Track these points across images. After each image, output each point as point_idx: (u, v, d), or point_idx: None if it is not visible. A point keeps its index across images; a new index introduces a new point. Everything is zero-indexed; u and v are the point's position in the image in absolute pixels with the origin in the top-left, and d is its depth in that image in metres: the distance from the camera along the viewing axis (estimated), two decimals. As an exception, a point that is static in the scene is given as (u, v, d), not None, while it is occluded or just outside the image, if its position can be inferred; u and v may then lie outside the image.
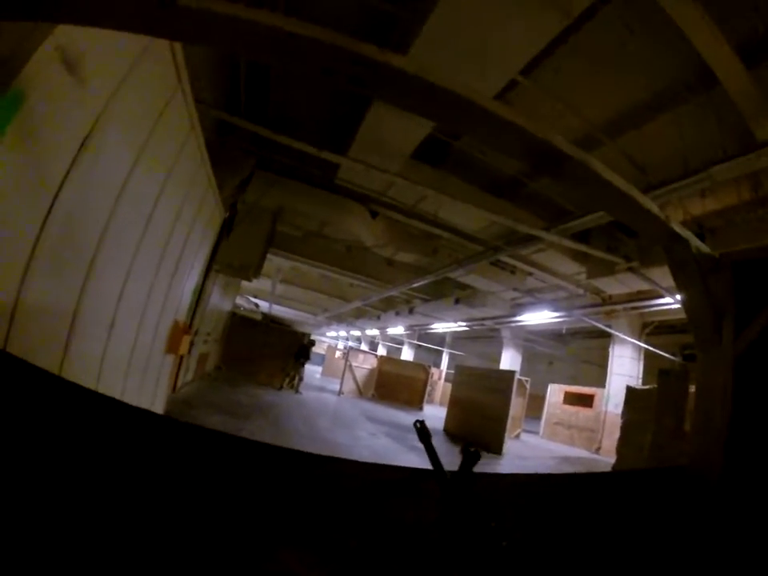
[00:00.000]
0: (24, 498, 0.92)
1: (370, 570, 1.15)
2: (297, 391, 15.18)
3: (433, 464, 1.19)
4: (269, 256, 12.07)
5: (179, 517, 1.02)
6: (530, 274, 12.63)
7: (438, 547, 1.16)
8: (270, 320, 20.47)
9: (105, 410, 1.24)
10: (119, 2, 1.46)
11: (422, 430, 1.31)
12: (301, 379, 15.78)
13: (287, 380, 15.65)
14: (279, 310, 26.87)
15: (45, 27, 2.06)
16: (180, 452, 1.15)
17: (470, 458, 1.15)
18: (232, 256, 9.04)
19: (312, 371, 18.07)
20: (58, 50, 2.17)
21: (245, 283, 15.78)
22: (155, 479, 1.06)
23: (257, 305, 26.21)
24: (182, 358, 7.95)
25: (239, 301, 23.74)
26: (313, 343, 16.90)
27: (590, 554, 1.43)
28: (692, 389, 7.87)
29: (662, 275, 9.16)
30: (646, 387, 10.13)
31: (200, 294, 8.12)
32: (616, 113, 6.31)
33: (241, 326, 15.99)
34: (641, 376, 13.38)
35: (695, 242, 2.25)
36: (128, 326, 4.34)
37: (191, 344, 8.18)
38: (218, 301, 11.80)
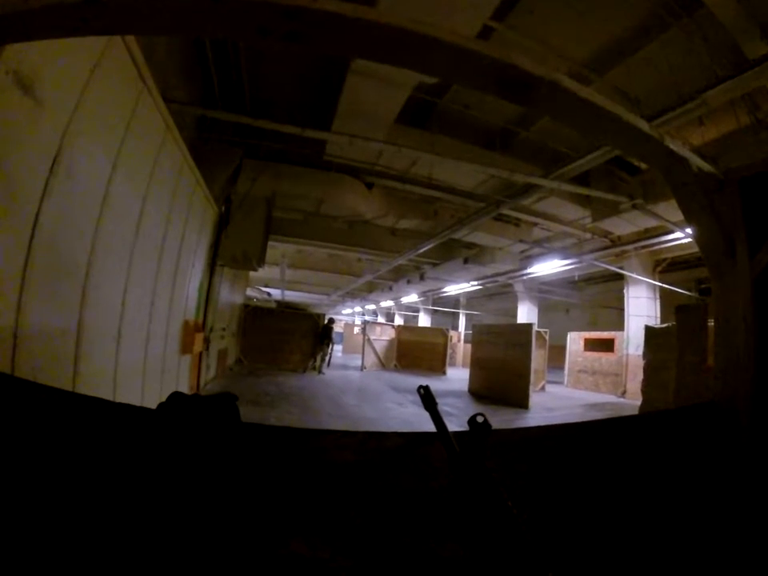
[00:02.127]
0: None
1: (376, 541, 1.13)
2: (320, 372, 15.35)
3: (440, 433, 1.08)
4: (272, 243, 12.06)
5: (176, 509, 1.01)
6: (535, 224, 12.48)
7: (448, 515, 1.13)
8: (284, 307, 20.57)
9: (111, 413, 1.24)
10: (50, 11, 1.40)
11: (426, 396, 1.18)
12: (323, 360, 15.92)
13: (311, 362, 15.83)
14: (292, 296, 27.04)
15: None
16: (175, 443, 1.13)
17: (478, 430, 1.02)
18: (233, 248, 9.04)
19: (334, 350, 18.19)
20: (10, 74, 2.13)
21: (254, 273, 15.80)
22: (159, 474, 1.05)
23: (269, 294, 26.37)
24: (200, 356, 8.05)
25: (251, 292, 23.89)
26: (333, 321, 16.96)
27: (616, 506, 1.39)
28: (711, 322, 7.77)
29: (669, 210, 8.97)
30: (665, 325, 9.98)
31: (208, 291, 8.15)
32: (600, 48, 6.10)
33: (256, 317, 16.03)
34: (658, 315, 13.18)
35: (695, 160, 2.11)
36: (136, 334, 4.38)
37: (207, 341, 8.26)
38: (229, 295, 11.85)
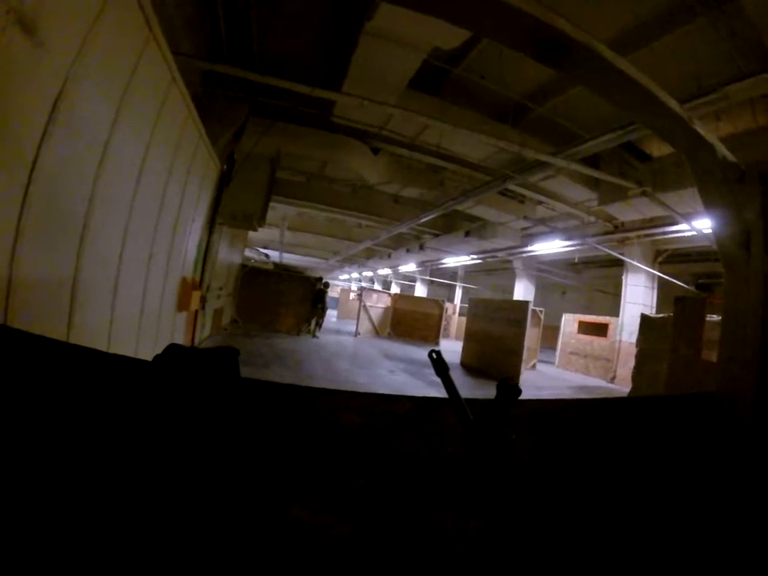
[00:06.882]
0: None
1: (379, 510, 1.10)
2: (314, 336, 15.43)
3: (452, 399, 1.06)
4: (273, 204, 11.90)
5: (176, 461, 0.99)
6: (540, 202, 12.32)
7: (454, 484, 1.11)
8: (281, 269, 20.50)
9: (106, 364, 1.20)
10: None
11: (438, 361, 1.14)
12: (318, 324, 15.97)
13: (306, 326, 15.89)
14: (290, 258, 26.92)
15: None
16: (172, 397, 1.08)
17: (507, 393, 0.97)
18: (234, 207, 8.90)
19: (328, 315, 18.15)
20: (11, 14, 2.02)
21: (253, 234, 15.65)
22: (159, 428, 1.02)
23: (267, 255, 26.23)
24: (196, 314, 8.03)
25: (249, 253, 23.74)
26: (327, 285, 16.89)
27: (614, 482, 1.39)
28: (708, 318, 7.79)
29: (677, 200, 8.85)
30: (661, 315, 9.94)
31: (206, 249, 8.07)
32: (625, 28, 5.86)
33: (253, 278, 15.92)
34: (654, 305, 13.20)
35: (721, 148, 2.07)
36: (133, 288, 4.34)
37: (203, 299, 8.23)
38: (227, 254, 11.76)
